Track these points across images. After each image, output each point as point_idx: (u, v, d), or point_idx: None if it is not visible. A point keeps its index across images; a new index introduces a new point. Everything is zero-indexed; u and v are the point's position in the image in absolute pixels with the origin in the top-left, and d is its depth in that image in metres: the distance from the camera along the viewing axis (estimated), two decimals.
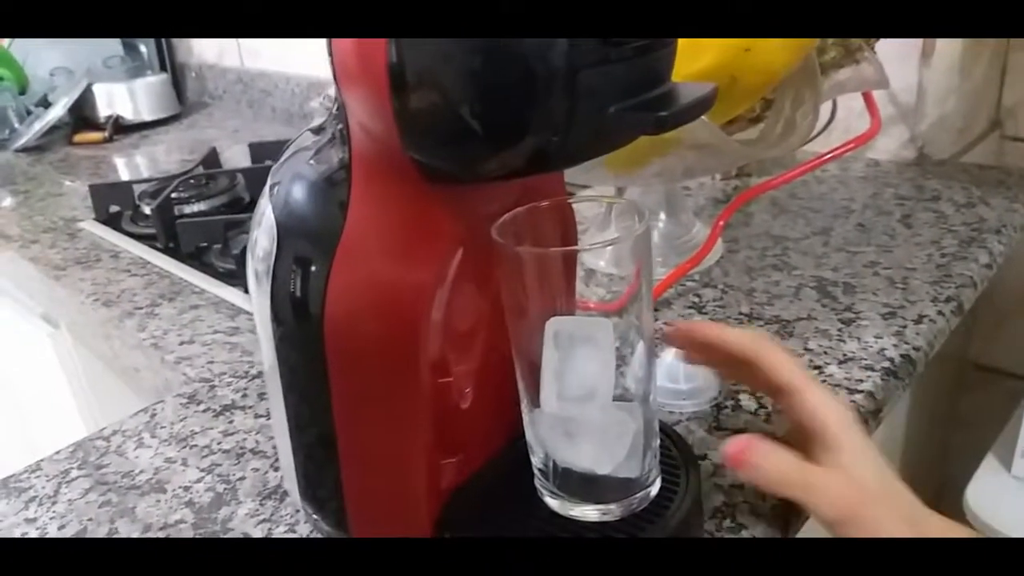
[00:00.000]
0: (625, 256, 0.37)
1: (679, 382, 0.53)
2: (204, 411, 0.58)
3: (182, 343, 0.68)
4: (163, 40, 1.64)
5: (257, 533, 0.46)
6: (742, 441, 0.40)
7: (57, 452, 0.55)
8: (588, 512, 0.39)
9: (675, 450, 0.43)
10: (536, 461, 0.40)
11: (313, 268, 0.35)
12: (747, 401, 0.53)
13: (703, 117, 0.48)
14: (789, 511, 0.44)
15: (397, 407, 0.37)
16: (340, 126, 0.33)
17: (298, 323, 0.36)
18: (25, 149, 1.42)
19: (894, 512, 0.38)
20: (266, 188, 0.37)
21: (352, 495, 0.39)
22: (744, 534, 0.42)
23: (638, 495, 0.39)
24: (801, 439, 0.41)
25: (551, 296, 0.37)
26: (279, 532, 0.45)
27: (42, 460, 0.54)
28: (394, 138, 0.31)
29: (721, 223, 0.68)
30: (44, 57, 1.56)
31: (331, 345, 0.36)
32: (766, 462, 0.40)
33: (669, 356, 0.53)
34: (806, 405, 0.41)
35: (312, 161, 0.35)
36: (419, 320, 0.35)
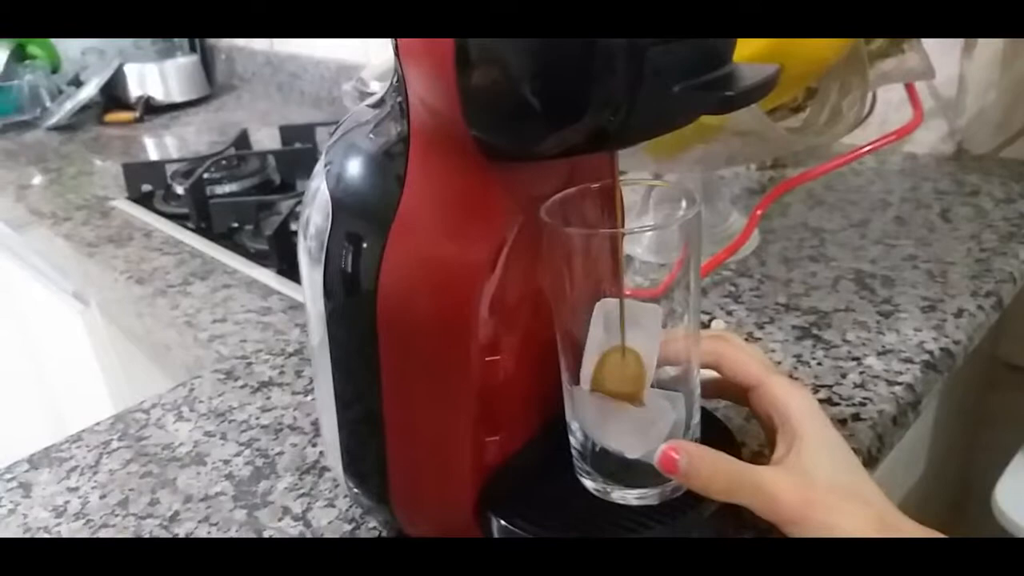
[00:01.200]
0: (670, 242, 0.37)
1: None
2: (242, 387, 0.58)
3: (215, 321, 0.69)
4: None
5: (297, 507, 0.46)
6: (672, 446, 0.37)
7: (97, 424, 0.55)
8: (625, 495, 0.39)
9: (715, 436, 0.42)
10: (574, 441, 0.40)
11: (367, 243, 0.35)
12: None
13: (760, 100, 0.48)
14: None
15: (445, 384, 0.37)
16: (400, 99, 0.33)
17: (350, 299, 0.36)
18: (57, 128, 1.44)
19: (857, 514, 0.35)
20: (319, 166, 0.37)
21: (396, 470, 0.40)
22: None
23: (673, 482, 0.39)
24: (770, 436, 0.41)
25: (597, 277, 0.37)
26: (318, 506, 0.46)
27: (83, 431, 0.54)
28: (455, 113, 0.31)
29: (759, 212, 0.68)
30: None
31: (383, 321, 0.36)
32: (706, 467, 0.36)
33: None
34: (767, 395, 0.40)
35: (371, 135, 0.35)
36: (472, 299, 0.35)
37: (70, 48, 1.59)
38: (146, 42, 1.57)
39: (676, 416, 0.38)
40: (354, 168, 0.35)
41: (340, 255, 0.36)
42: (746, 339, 0.58)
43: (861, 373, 0.53)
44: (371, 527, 0.44)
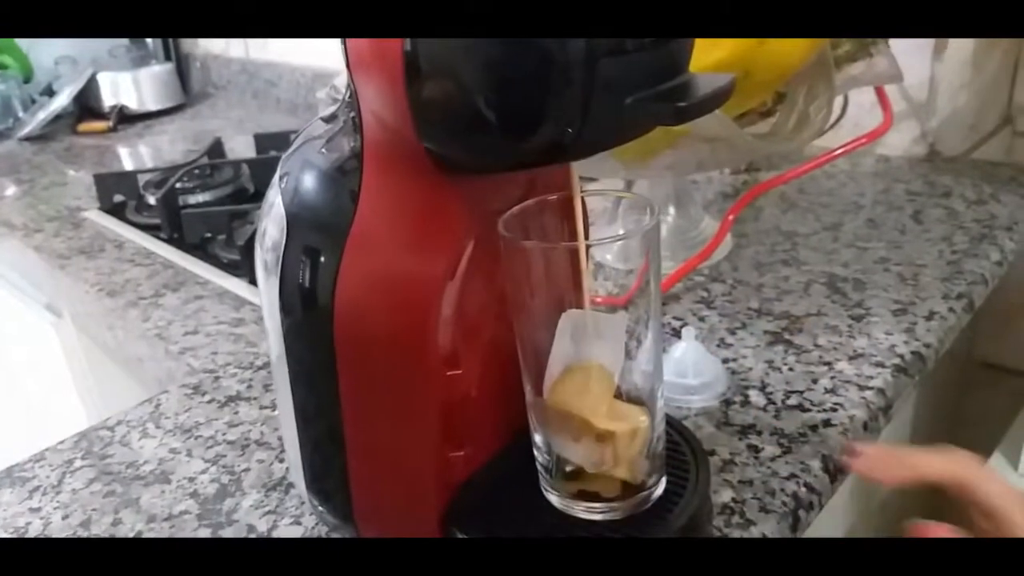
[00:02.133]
0: (634, 250, 0.37)
1: (687, 377, 0.52)
2: (209, 402, 0.57)
3: (186, 333, 0.68)
4: None
5: (262, 525, 0.45)
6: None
7: (61, 442, 0.54)
8: (591, 510, 0.38)
9: (684, 446, 0.42)
10: (539, 456, 0.39)
11: (323, 258, 0.34)
12: (756, 396, 0.52)
13: (715, 110, 0.48)
14: (799, 507, 0.44)
15: (406, 399, 0.36)
16: (352, 114, 0.33)
17: (306, 314, 0.36)
18: (29, 138, 1.42)
19: None
20: (275, 178, 0.37)
21: (359, 488, 0.39)
22: (753, 531, 0.42)
23: (639, 495, 0.38)
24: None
25: (559, 290, 0.36)
26: (284, 524, 0.45)
27: (46, 450, 0.54)
28: (408, 127, 0.31)
29: (731, 217, 0.68)
30: (49, 46, 1.55)
31: (340, 336, 0.35)
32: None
33: (678, 351, 0.53)
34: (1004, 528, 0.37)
35: (323, 150, 0.34)
36: (430, 312, 0.34)
37: (42, 57, 1.57)
38: (120, 50, 1.56)
39: (642, 427, 0.37)
40: (308, 182, 0.35)
41: (296, 269, 0.35)
42: (718, 345, 0.58)
43: (832, 378, 0.53)
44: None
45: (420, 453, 0.38)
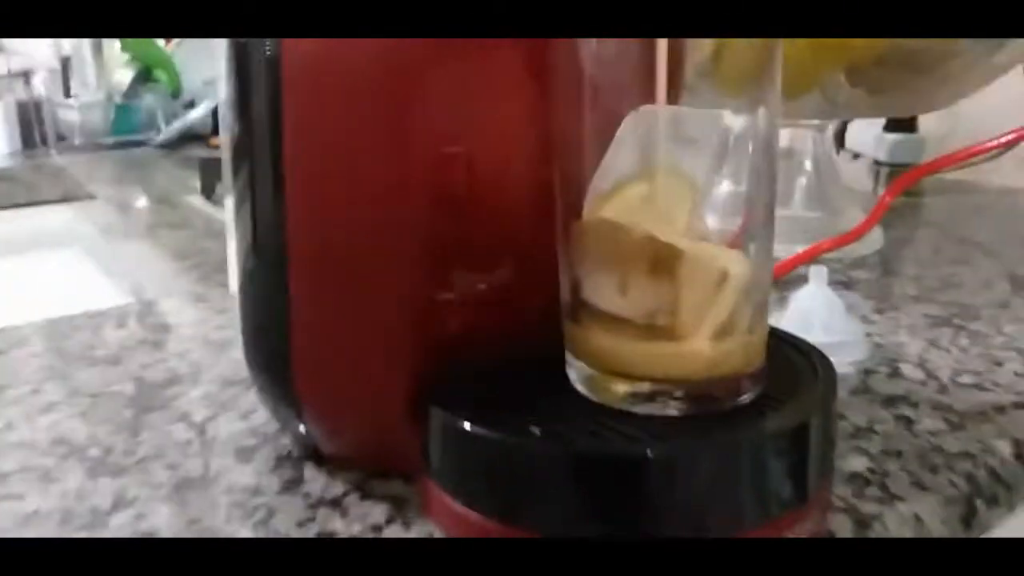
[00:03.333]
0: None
1: (814, 331, 0.37)
2: (210, 307, 0.47)
3: None
4: None
5: (200, 414, 0.34)
6: None
7: (27, 324, 0.45)
8: (633, 398, 0.25)
9: (799, 358, 0.28)
10: (565, 307, 0.26)
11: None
12: (911, 371, 0.37)
13: None
14: (975, 494, 0.28)
15: (374, 190, 0.25)
16: None
17: (251, 76, 0.25)
18: (163, 146, 1.44)
19: None
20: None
21: (301, 340, 0.27)
22: (901, 508, 0.27)
23: (716, 384, 0.24)
24: None
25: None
26: (226, 417, 0.33)
27: (6, 327, 0.45)
28: None
29: (888, 200, 0.53)
30: (201, 65, 1.60)
31: (289, 91, 0.25)
32: None
33: (803, 297, 0.39)
34: None
35: None
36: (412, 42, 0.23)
37: (194, 77, 1.63)
38: None
39: (735, 271, 0.24)
40: None
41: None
42: (861, 320, 0.43)
43: None
44: (281, 443, 0.31)
45: (389, 286, 0.25)
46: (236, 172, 0.27)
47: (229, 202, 0.29)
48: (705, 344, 0.24)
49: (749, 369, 0.25)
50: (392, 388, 0.26)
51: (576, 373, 0.26)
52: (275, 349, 0.28)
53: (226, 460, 0.30)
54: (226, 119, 0.28)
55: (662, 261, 0.23)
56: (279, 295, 0.27)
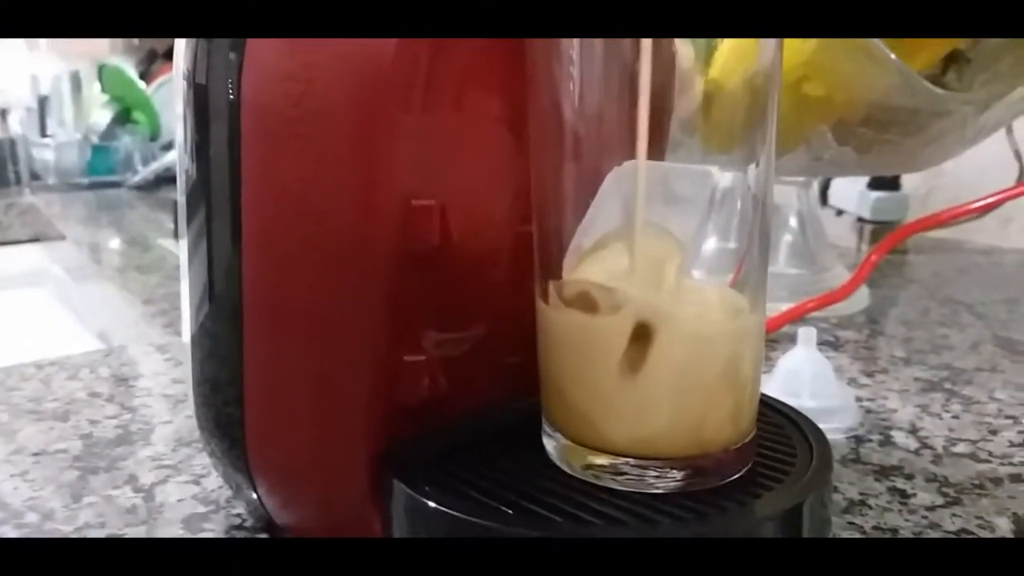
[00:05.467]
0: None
1: (802, 397, 0.36)
2: (168, 359, 0.45)
3: None
4: None
5: (149, 478, 0.31)
6: None
7: None
8: (613, 472, 0.23)
9: (791, 429, 0.26)
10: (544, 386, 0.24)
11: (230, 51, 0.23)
12: (904, 439, 0.35)
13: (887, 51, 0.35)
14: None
15: (336, 244, 0.23)
16: None
17: (209, 124, 0.24)
18: (138, 187, 1.42)
19: None
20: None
21: (255, 404, 0.25)
22: None
23: (710, 456, 0.23)
24: None
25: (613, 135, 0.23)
26: (176, 481, 0.31)
27: None
28: None
29: (874, 259, 0.52)
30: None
31: (247, 146, 0.23)
32: None
33: (791, 359, 0.37)
34: None
35: None
36: (380, 85, 0.22)
37: (172, 118, 1.61)
38: None
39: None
40: None
41: (200, 76, 0.24)
42: (848, 384, 0.41)
43: (1021, 432, 0.36)
44: (233, 513, 0.29)
45: (353, 347, 0.24)
46: (190, 218, 0.26)
47: (184, 257, 0.27)
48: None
49: (740, 442, 0.23)
50: (353, 458, 0.24)
51: (552, 443, 0.24)
52: (227, 411, 0.26)
53: (173, 529, 0.28)
54: (182, 161, 0.26)
55: (644, 327, 0.22)
56: (232, 352, 0.25)
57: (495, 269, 0.26)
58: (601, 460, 0.23)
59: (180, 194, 0.26)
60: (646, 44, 0.22)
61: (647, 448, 0.22)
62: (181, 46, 0.26)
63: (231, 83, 0.24)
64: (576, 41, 0.22)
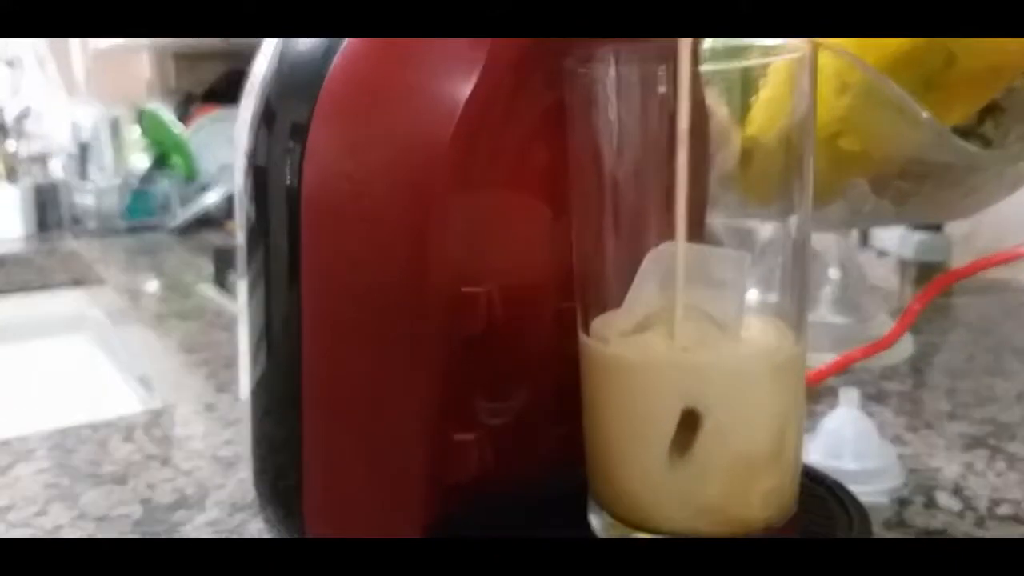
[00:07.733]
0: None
1: (843, 458, 0.36)
2: (217, 419, 0.46)
3: None
4: None
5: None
6: None
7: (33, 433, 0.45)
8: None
9: (832, 501, 0.27)
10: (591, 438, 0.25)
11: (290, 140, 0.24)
12: (947, 499, 0.35)
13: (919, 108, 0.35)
14: None
15: (392, 332, 0.24)
16: None
17: (268, 205, 0.25)
18: (178, 230, 1.46)
19: None
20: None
21: (313, 478, 0.26)
22: None
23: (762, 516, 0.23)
24: None
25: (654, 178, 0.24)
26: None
27: (13, 437, 0.44)
28: None
29: (917, 308, 0.52)
30: (217, 151, 1.63)
31: (308, 235, 0.24)
32: None
33: (833, 421, 0.37)
34: None
35: None
36: (432, 183, 0.23)
37: (210, 162, 1.65)
38: None
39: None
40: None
41: (260, 154, 0.25)
42: (891, 442, 0.41)
43: None
44: None
45: (405, 423, 0.25)
46: (251, 303, 0.27)
47: (243, 331, 0.28)
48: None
49: (782, 521, 0.24)
50: (405, 531, 0.25)
51: (598, 521, 0.24)
52: (284, 482, 0.27)
53: None
54: (241, 246, 0.28)
55: (691, 413, 0.22)
56: (291, 430, 0.26)
57: (540, 345, 0.27)
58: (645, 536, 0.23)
59: (240, 283, 0.28)
60: (683, 114, 0.22)
61: (691, 529, 0.23)
62: (244, 126, 0.27)
63: (291, 169, 0.25)
64: (615, 114, 0.23)
